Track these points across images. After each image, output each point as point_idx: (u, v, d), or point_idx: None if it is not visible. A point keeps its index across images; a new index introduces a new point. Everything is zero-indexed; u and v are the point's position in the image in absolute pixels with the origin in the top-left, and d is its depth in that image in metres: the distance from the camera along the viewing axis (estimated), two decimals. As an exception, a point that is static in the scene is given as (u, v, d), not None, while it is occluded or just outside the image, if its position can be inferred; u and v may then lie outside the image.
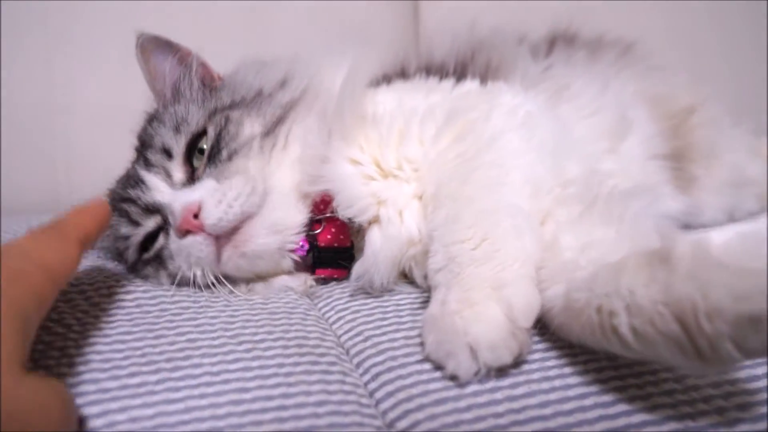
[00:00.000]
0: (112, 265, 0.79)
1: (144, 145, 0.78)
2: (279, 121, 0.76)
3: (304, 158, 0.74)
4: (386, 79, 0.84)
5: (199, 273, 0.70)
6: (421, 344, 0.57)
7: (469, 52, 0.95)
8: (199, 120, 0.76)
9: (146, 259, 0.74)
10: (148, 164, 0.76)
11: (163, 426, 0.48)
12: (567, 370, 0.55)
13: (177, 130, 0.76)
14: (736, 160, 1.03)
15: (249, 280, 0.73)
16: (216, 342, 0.59)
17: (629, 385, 0.52)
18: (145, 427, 0.48)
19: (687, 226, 0.97)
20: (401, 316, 0.65)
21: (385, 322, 0.64)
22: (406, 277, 0.75)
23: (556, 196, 0.65)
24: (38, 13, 1.27)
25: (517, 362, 0.54)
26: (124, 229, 0.75)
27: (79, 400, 0.50)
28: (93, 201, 0.65)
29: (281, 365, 0.55)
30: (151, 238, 0.75)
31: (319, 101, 0.78)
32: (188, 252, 0.70)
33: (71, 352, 0.56)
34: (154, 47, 0.80)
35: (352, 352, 0.61)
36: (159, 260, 0.73)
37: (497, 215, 0.60)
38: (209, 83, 0.81)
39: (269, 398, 0.51)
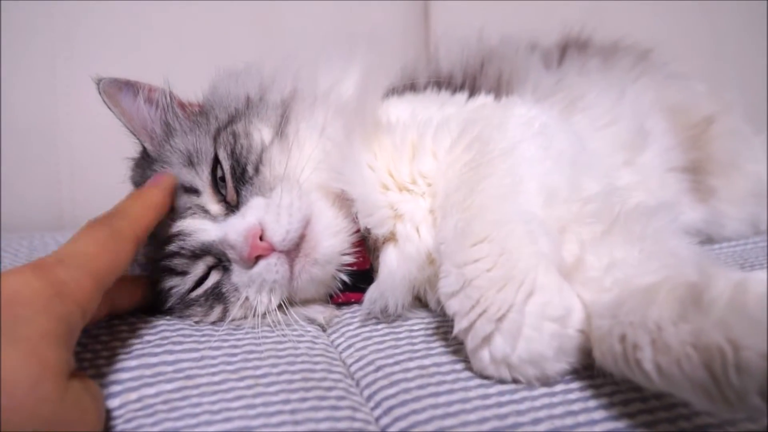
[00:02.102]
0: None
1: None
2: (284, 122, 0.72)
3: (325, 152, 0.70)
4: (395, 91, 0.81)
5: (266, 300, 0.67)
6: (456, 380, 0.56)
7: (478, 62, 0.93)
8: (207, 146, 0.71)
9: (192, 299, 0.70)
10: (174, 211, 0.70)
11: (161, 474, 0.44)
12: (591, 403, 0.51)
13: (190, 163, 0.71)
14: (758, 170, 1.00)
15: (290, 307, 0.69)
16: (216, 378, 0.55)
17: (659, 419, 0.49)
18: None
19: (710, 239, 0.94)
20: (414, 344, 0.62)
21: (397, 350, 0.61)
22: (419, 300, 0.71)
23: (575, 212, 0.62)
24: (40, 21, 1.24)
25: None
26: (169, 282, 0.70)
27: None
28: (150, 184, 0.65)
29: (286, 401, 0.52)
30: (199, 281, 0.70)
31: (324, 101, 0.75)
32: (262, 279, 0.66)
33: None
34: (116, 90, 0.74)
35: (363, 383, 0.58)
36: (215, 297, 0.69)
37: (510, 225, 0.57)
38: (188, 110, 0.77)
39: (274, 439, 0.48)
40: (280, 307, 0.68)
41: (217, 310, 0.69)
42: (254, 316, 0.67)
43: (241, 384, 0.54)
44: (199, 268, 0.69)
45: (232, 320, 0.68)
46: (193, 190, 0.70)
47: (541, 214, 0.60)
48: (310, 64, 0.80)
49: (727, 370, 0.41)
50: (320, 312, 0.70)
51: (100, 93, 0.74)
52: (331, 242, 0.68)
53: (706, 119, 0.97)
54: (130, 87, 0.74)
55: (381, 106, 0.76)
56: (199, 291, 0.69)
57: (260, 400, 0.52)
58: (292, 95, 0.76)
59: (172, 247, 0.69)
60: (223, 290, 0.69)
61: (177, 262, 0.69)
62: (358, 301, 0.72)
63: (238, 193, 0.69)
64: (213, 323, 0.68)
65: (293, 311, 0.68)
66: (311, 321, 0.69)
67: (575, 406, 0.51)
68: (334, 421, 0.50)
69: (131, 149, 0.79)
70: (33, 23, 1.24)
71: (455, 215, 0.60)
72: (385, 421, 0.52)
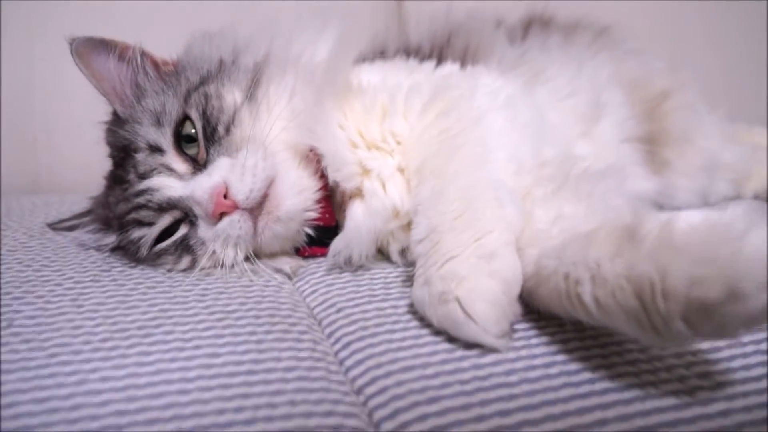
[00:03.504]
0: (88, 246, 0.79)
1: (125, 149, 0.76)
2: (255, 85, 0.75)
3: (295, 112, 0.74)
4: (366, 58, 0.85)
5: (231, 254, 0.71)
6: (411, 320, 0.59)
7: (445, 35, 0.96)
8: (175, 107, 0.74)
9: (161, 250, 0.73)
10: (142, 167, 0.74)
11: (133, 386, 0.48)
12: (534, 341, 0.55)
13: (158, 123, 0.74)
14: (710, 146, 1.04)
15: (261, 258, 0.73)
16: (189, 312, 0.59)
17: (594, 355, 0.53)
18: (114, 387, 0.48)
19: (661, 208, 0.99)
20: (374, 290, 0.66)
21: (358, 295, 0.65)
22: (380, 253, 0.75)
23: (534, 176, 0.66)
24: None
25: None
26: (136, 233, 0.73)
27: (48, 360, 0.51)
28: None
29: (253, 333, 0.56)
30: (165, 232, 0.74)
31: (295, 64, 0.78)
32: (226, 234, 0.70)
33: (42, 320, 0.57)
34: (90, 50, 0.76)
35: (325, 322, 0.62)
36: (183, 248, 0.73)
37: (481, 189, 0.61)
38: (162, 69, 0.79)
39: (239, 363, 0.52)
40: (247, 259, 0.72)
41: (186, 260, 0.73)
42: (222, 267, 0.71)
43: (212, 317, 0.59)
44: (165, 220, 0.73)
45: (202, 269, 0.72)
46: (159, 150, 0.74)
47: (511, 183, 0.64)
48: (285, 31, 0.83)
49: (655, 298, 0.44)
50: (287, 263, 0.74)
51: (72, 53, 0.76)
52: (294, 200, 0.72)
53: (661, 94, 1.02)
54: (103, 46, 0.77)
55: (352, 70, 0.80)
56: (169, 242, 0.73)
57: (228, 331, 0.56)
58: (264, 59, 0.79)
59: (140, 200, 0.73)
60: (191, 243, 0.73)
61: (144, 214, 0.73)
62: (324, 255, 0.76)
63: (207, 152, 0.72)
64: (184, 271, 0.72)
65: (260, 263, 0.72)
66: (278, 271, 0.73)
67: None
68: (296, 350, 0.55)
69: (106, 113, 0.81)
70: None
71: (432, 180, 0.65)
72: (343, 354, 0.56)
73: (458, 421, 0.47)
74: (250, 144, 0.71)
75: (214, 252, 0.71)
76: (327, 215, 0.75)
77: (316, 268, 0.74)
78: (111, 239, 0.78)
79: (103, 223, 0.79)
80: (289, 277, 0.74)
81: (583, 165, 0.71)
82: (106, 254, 0.76)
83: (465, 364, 0.52)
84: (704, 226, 0.46)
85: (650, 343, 0.52)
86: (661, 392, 0.49)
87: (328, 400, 0.49)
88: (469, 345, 0.54)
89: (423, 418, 0.47)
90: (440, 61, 0.87)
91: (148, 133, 0.74)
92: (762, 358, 0.52)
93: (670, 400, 0.48)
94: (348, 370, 0.54)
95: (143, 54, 0.78)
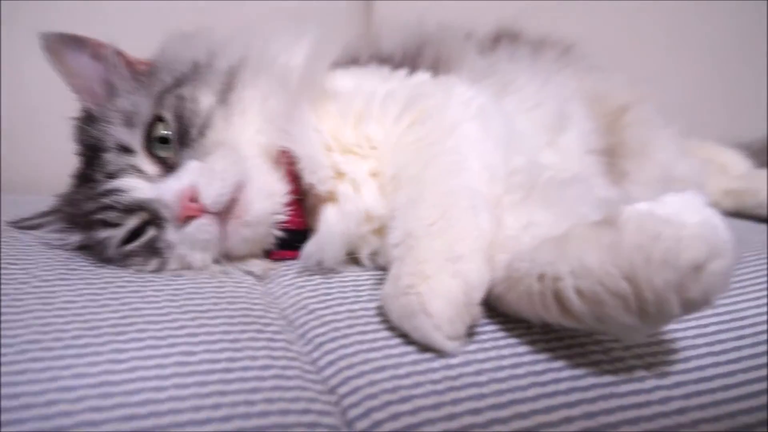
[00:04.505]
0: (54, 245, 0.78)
1: (94, 148, 0.76)
2: (229, 89, 0.76)
3: (270, 115, 0.74)
4: (339, 64, 0.86)
5: (199, 257, 0.71)
6: (383, 321, 0.59)
7: (417, 45, 0.98)
8: (148, 108, 0.74)
9: (129, 251, 0.73)
10: (111, 167, 0.73)
11: (108, 383, 0.48)
12: (502, 342, 0.57)
13: (129, 124, 0.73)
14: (666, 159, 1.09)
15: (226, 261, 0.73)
16: (161, 311, 0.59)
17: (560, 356, 0.55)
18: (89, 383, 0.48)
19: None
20: (345, 291, 0.67)
21: (328, 297, 0.66)
22: (350, 257, 0.76)
23: (504, 183, 0.68)
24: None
25: (469, 333, 0.56)
26: (103, 233, 0.73)
27: (18, 357, 0.50)
28: None
29: (227, 332, 0.57)
30: (132, 234, 0.73)
31: (270, 69, 0.78)
32: (193, 238, 0.70)
33: (9, 317, 0.56)
34: (62, 46, 0.76)
35: (296, 323, 0.62)
36: (151, 251, 0.72)
37: (456, 197, 0.62)
38: (136, 69, 0.79)
39: (215, 361, 0.52)
40: (216, 261, 0.72)
41: (154, 262, 0.73)
42: (191, 269, 0.71)
43: (185, 316, 0.58)
44: (132, 222, 0.73)
45: (171, 270, 0.72)
46: (129, 150, 0.73)
47: (485, 190, 0.65)
48: (260, 35, 0.84)
49: (650, 272, 0.46)
50: (257, 265, 0.75)
51: (43, 49, 0.75)
52: (263, 205, 0.72)
53: (621, 107, 1.06)
54: (76, 43, 0.76)
55: (328, 75, 0.81)
56: (136, 244, 0.73)
57: (203, 330, 0.56)
58: (239, 63, 0.79)
59: (107, 200, 0.72)
60: (159, 245, 0.72)
61: (110, 215, 0.72)
62: (294, 258, 0.77)
63: (179, 155, 0.72)
64: (153, 272, 0.72)
65: (230, 265, 0.73)
66: (248, 273, 0.74)
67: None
68: (270, 350, 0.55)
69: (69, 112, 0.80)
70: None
71: (409, 187, 0.66)
72: (315, 354, 0.57)
73: (430, 420, 0.48)
74: (221, 148, 0.72)
75: (181, 255, 0.71)
76: (297, 219, 0.76)
77: (286, 270, 0.74)
78: (76, 238, 0.77)
79: (68, 221, 0.78)
80: (260, 279, 0.74)
81: (549, 173, 0.73)
82: (73, 253, 0.75)
83: (436, 364, 0.53)
84: (677, 200, 0.50)
85: (625, 334, 0.54)
86: (623, 391, 0.52)
87: (304, 398, 0.50)
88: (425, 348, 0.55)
89: (396, 416, 0.48)
90: (412, 70, 0.89)
91: (118, 132, 0.73)
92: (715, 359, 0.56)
93: (631, 399, 0.51)
94: (321, 370, 0.55)
95: (117, 53, 0.77)
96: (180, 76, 0.77)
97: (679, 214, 0.48)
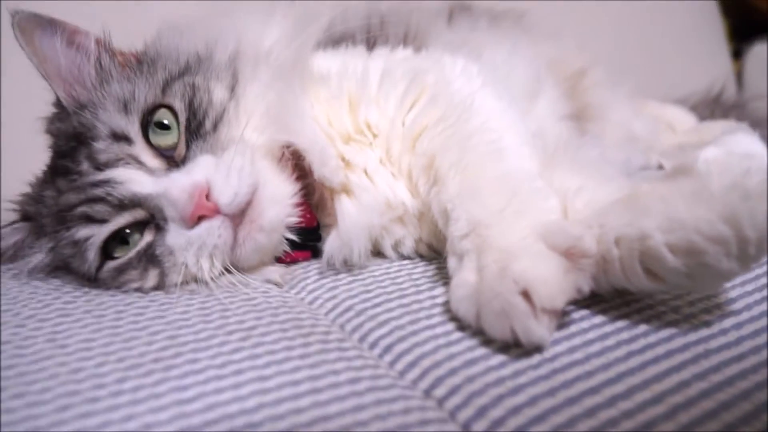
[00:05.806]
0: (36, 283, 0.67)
1: (77, 137, 0.66)
2: (236, 82, 0.69)
3: (271, 110, 0.68)
4: (319, 45, 0.79)
5: (207, 266, 0.61)
6: (452, 319, 0.53)
7: (376, 23, 0.93)
8: (147, 95, 0.65)
9: (124, 263, 0.64)
10: (104, 156, 0.64)
11: (188, 428, 0.40)
12: (575, 315, 0.53)
13: (125, 110, 0.65)
14: (624, 119, 1.11)
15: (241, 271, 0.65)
16: (202, 335, 0.51)
17: (637, 321, 0.52)
18: (168, 432, 0.40)
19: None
20: (385, 287, 0.62)
21: (370, 294, 0.60)
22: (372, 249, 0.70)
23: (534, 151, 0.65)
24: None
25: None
26: (82, 232, 0.63)
27: (63, 415, 0.41)
28: None
29: (290, 348, 0.49)
30: (114, 237, 0.64)
31: (265, 61, 0.71)
32: (202, 242, 0.61)
33: (23, 369, 0.46)
34: (35, 26, 0.67)
35: (347, 328, 0.56)
36: (148, 259, 0.63)
37: (515, 181, 0.58)
38: (119, 60, 0.70)
39: (296, 383, 0.45)
40: (223, 273, 0.64)
41: (153, 274, 0.64)
42: (197, 282, 0.63)
43: (232, 337, 0.51)
44: (122, 219, 0.63)
45: (175, 285, 0.63)
46: (125, 138, 0.64)
47: (534, 168, 0.61)
48: (248, 23, 0.77)
49: (751, 206, 0.44)
50: (274, 272, 0.67)
51: (13, 27, 0.66)
52: (277, 209, 0.66)
53: (578, 72, 1.07)
54: (51, 25, 0.67)
55: (313, 58, 0.74)
56: (132, 253, 0.64)
57: (262, 350, 0.49)
58: (236, 55, 0.72)
59: (97, 191, 0.63)
60: (157, 252, 0.63)
61: (98, 209, 0.63)
62: (306, 259, 0.71)
63: (188, 147, 0.64)
64: (155, 289, 0.63)
65: (240, 275, 0.64)
66: (266, 281, 0.66)
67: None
68: (347, 360, 0.49)
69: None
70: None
71: (455, 176, 0.61)
72: (388, 358, 0.51)
73: (553, 408, 0.44)
74: (238, 145, 0.64)
75: (184, 264, 0.62)
76: (308, 215, 0.69)
77: (304, 273, 0.67)
78: (40, 257, 0.67)
79: (35, 230, 0.68)
80: (279, 287, 0.66)
81: (553, 138, 0.71)
82: (53, 283, 0.64)
83: (527, 350, 0.49)
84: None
85: (712, 284, 0.53)
86: (714, 346, 0.49)
87: (413, 407, 0.44)
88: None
89: (515, 410, 0.44)
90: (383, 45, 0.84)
91: (112, 119, 0.64)
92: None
93: (724, 354, 0.48)
94: (402, 374, 0.49)
95: (98, 41, 0.69)
96: (185, 65, 0.69)
97: (750, 149, 0.47)
